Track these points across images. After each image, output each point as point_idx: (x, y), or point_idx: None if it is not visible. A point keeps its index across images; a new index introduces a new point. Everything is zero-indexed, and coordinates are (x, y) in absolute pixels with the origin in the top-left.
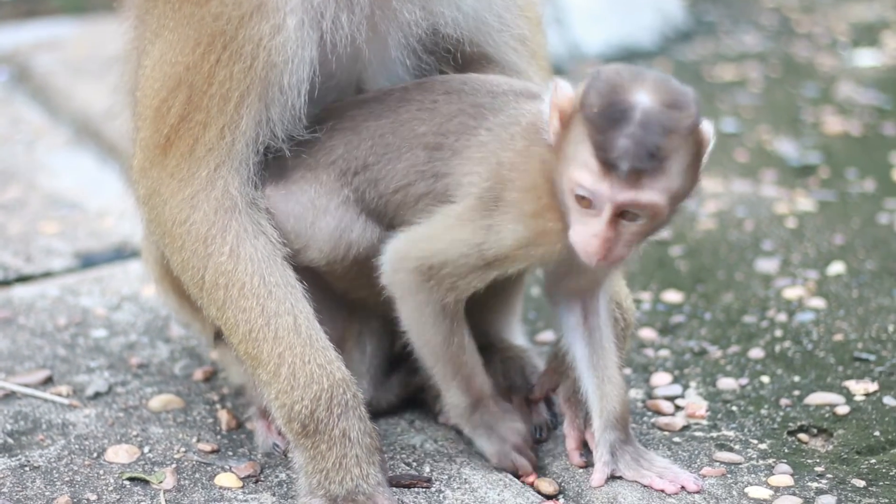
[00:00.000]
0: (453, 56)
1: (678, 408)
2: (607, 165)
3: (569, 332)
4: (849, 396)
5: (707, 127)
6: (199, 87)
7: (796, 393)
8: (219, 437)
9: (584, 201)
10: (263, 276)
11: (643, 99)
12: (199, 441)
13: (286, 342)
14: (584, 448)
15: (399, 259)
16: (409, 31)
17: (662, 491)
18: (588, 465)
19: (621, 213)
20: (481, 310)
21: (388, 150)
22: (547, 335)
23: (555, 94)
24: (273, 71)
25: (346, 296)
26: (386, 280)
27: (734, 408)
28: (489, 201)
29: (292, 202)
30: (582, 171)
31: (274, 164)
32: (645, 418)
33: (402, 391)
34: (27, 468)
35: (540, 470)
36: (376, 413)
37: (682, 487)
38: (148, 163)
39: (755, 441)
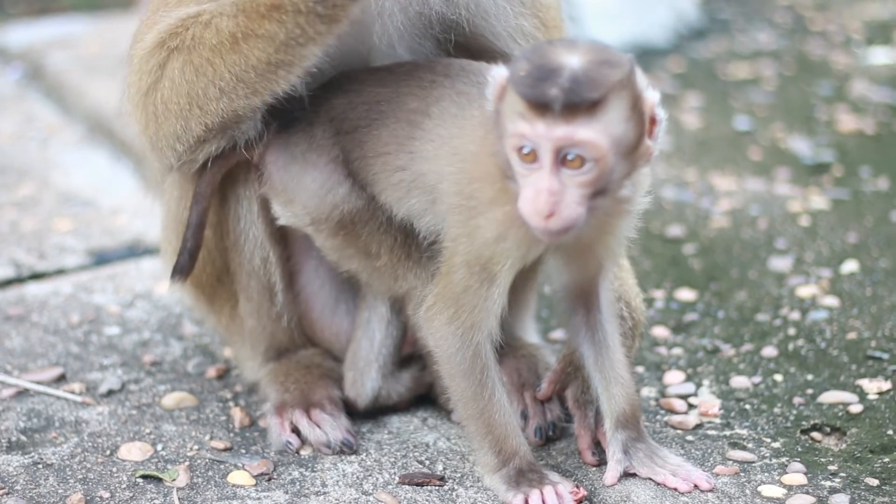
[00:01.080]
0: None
1: (691, 406)
2: (540, 107)
3: (574, 331)
4: (862, 395)
5: (652, 94)
6: None
7: (809, 391)
8: (232, 434)
9: (526, 155)
10: None
11: (572, 58)
12: (212, 439)
13: None
14: (597, 447)
15: (427, 308)
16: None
17: (675, 489)
18: (601, 463)
19: (563, 161)
20: None
21: (380, 117)
22: (560, 333)
23: (492, 72)
24: None
25: (338, 269)
26: (423, 334)
27: (747, 406)
28: (464, 203)
29: (285, 153)
30: (517, 122)
31: (279, 112)
32: (658, 416)
33: (414, 386)
34: (40, 466)
35: (553, 468)
36: (385, 407)
37: (696, 486)
38: None
39: (768, 440)
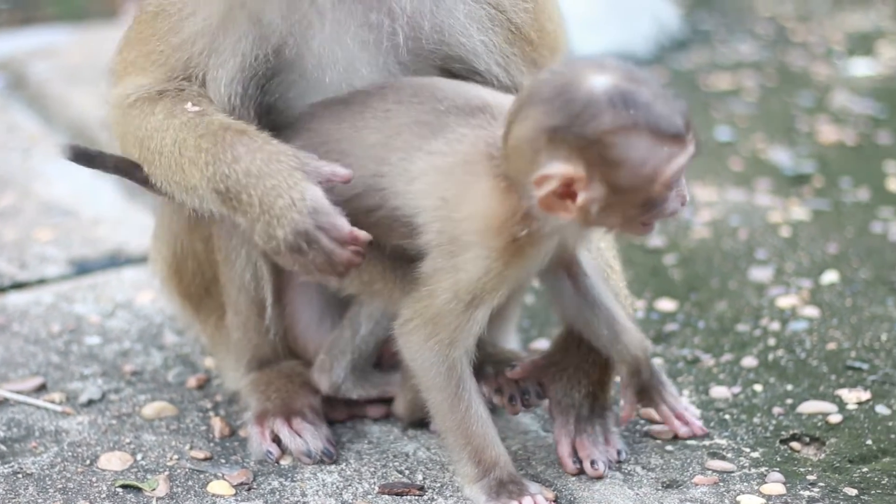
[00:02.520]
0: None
1: None
2: (678, 138)
3: (565, 304)
4: (841, 405)
5: None
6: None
7: (789, 401)
8: (212, 444)
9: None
10: None
11: (645, 79)
12: (192, 448)
13: None
14: (576, 455)
15: (403, 323)
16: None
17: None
18: (581, 472)
19: None
20: None
21: (342, 157)
22: (541, 343)
23: (547, 183)
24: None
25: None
26: (399, 347)
27: (727, 416)
28: (445, 244)
29: None
30: (667, 162)
31: None
32: (638, 426)
33: (379, 391)
34: (20, 475)
35: (533, 477)
36: (348, 402)
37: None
38: None
39: (748, 449)
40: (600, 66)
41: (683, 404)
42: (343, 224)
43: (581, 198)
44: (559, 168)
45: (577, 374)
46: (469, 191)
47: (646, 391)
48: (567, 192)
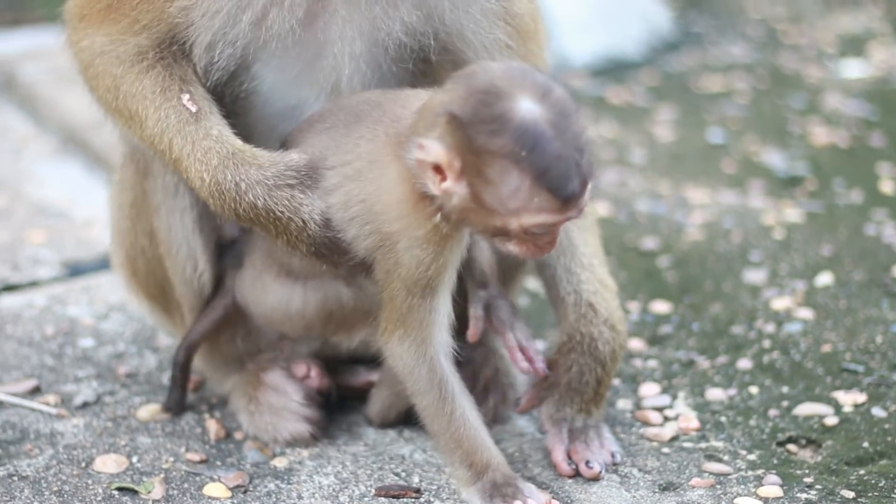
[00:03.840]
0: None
1: (667, 418)
2: (568, 201)
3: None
4: (837, 407)
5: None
6: None
7: (785, 404)
8: (207, 446)
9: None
10: None
11: (570, 124)
12: (187, 451)
13: None
14: (569, 459)
15: (381, 333)
16: (374, 31)
17: None
18: (576, 474)
19: None
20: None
21: None
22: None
23: (422, 152)
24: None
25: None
26: (385, 357)
27: (723, 418)
28: (380, 243)
29: (247, 289)
30: (535, 215)
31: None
32: (633, 429)
33: (361, 384)
34: (15, 478)
35: (530, 479)
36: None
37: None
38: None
39: (744, 452)
40: (543, 94)
41: (534, 344)
42: None
43: (446, 185)
44: (438, 150)
45: (569, 392)
46: (381, 183)
47: (494, 312)
48: (438, 171)
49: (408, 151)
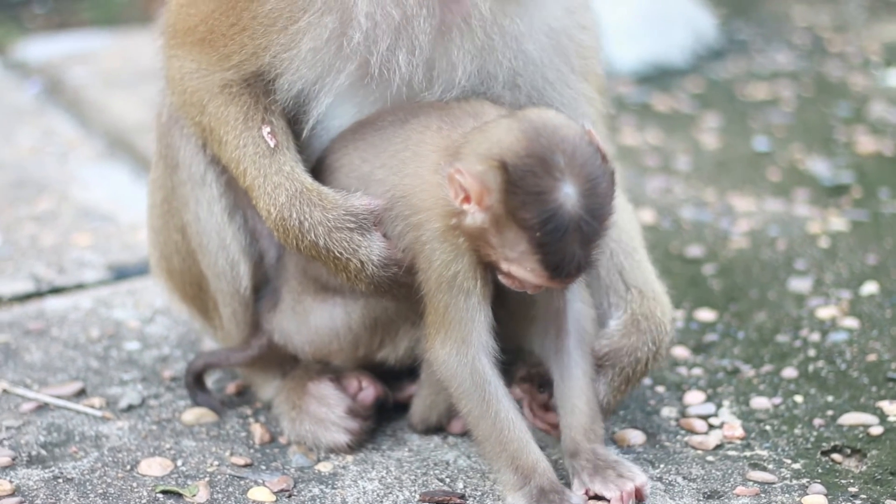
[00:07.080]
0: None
1: (711, 426)
2: (553, 271)
3: (545, 353)
4: (882, 417)
5: None
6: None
7: (830, 413)
8: (252, 450)
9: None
10: None
11: (581, 210)
12: (232, 455)
13: None
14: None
15: (426, 340)
16: (457, 83)
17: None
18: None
19: None
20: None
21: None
22: None
23: (460, 176)
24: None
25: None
26: (431, 364)
27: (767, 427)
28: (415, 242)
29: (283, 322)
30: (530, 275)
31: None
32: (678, 437)
33: (407, 398)
34: (60, 480)
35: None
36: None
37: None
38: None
39: (789, 461)
40: (588, 189)
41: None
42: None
43: (467, 206)
44: (475, 184)
45: None
46: (418, 172)
47: (597, 472)
48: (467, 195)
49: (448, 161)
